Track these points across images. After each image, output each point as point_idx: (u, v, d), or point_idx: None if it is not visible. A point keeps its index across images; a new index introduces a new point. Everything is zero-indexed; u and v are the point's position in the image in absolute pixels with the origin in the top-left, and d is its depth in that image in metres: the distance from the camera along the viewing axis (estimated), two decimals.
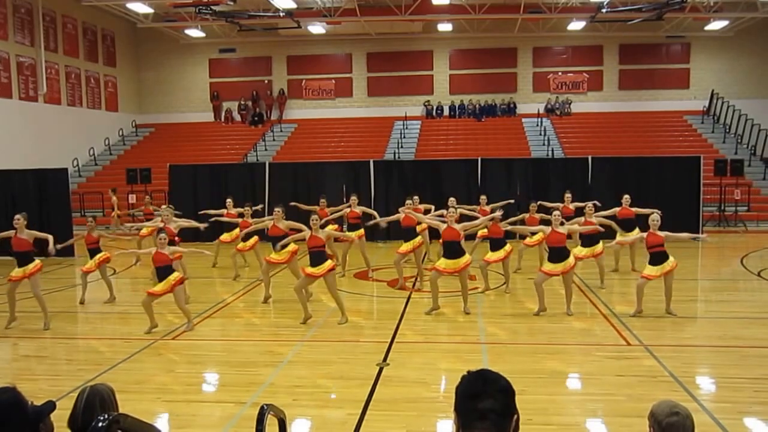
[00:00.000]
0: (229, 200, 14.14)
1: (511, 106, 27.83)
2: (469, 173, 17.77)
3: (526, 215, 12.31)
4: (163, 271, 8.76)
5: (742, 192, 19.62)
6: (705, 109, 26.52)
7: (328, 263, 9.00)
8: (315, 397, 6.59)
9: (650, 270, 9.09)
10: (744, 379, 6.63)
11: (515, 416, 1.88)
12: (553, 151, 23.91)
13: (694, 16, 23.85)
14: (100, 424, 2.07)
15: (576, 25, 25.31)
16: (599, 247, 11.11)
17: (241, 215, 13.42)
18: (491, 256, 10.78)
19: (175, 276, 8.71)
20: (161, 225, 11.06)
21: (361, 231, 12.83)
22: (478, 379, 1.91)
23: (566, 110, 27.58)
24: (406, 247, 11.62)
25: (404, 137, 26.16)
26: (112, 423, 2.09)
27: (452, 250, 9.40)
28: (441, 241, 9.66)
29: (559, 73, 28.05)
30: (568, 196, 13.29)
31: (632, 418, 5.43)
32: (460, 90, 28.19)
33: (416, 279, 12.19)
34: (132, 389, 6.40)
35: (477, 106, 27.83)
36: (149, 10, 24.00)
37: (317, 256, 9.00)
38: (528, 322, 9.26)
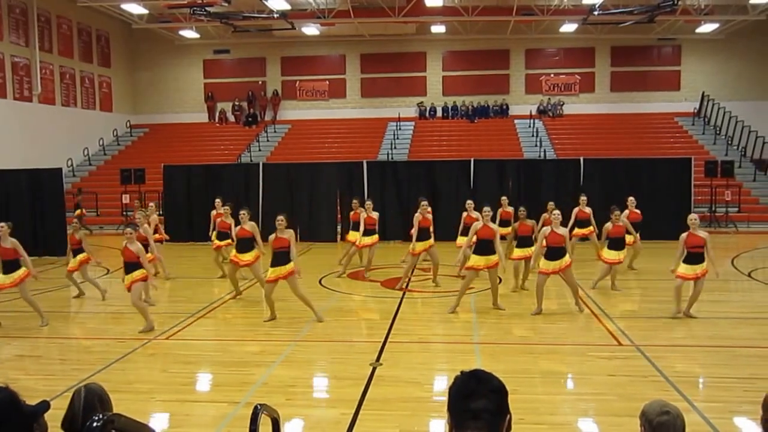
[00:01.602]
0: (218, 200, 14.12)
1: (504, 107, 27.93)
2: (461, 174, 17.83)
3: (516, 224, 11.99)
4: (130, 266, 8.78)
5: (732, 193, 19.76)
6: (696, 110, 26.69)
7: (290, 266, 8.91)
8: (308, 396, 6.63)
9: (686, 269, 8.97)
10: (734, 378, 6.69)
11: (508, 416, 1.89)
12: (545, 152, 24.01)
13: (685, 19, 23.99)
14: (94, 424, 2.05)
15: (568, 28, 25.41)
16: (624, 251, 11.12)
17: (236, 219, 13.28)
18: (519, 253, 10.90)
19: (139, 273, 8.68)
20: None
21: (376, 237, 12.70)
22: (472, 379, 1.91)
23: (558, 112, 27.70)
24: (420, 247, 11.54)
25: (398, 138, 26.21)
26: (106, 423, 2.08)
27: (487, 248, 9.52)
28: (476, 239, 9.69)
29: (552, 75, 28.18)
30: (583, 198, 13.28)
31: (624, 417, 5.47)
32: (453, 91, 28.27)
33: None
34: (125, 389, 6.39)
35: (470, 107, 27.92)
36: (144, 11, 23.94)
37: (280, 257, 8.95)
38: (521, 322, 9.31)
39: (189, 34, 26.86)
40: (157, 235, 12.25)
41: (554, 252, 9.36)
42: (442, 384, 6.73)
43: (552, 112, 27.66)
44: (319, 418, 5.95)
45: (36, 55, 22.16)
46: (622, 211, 11.76)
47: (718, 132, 25.08)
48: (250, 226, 10.37)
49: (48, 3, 22.87)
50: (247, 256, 10.36)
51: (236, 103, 28.69)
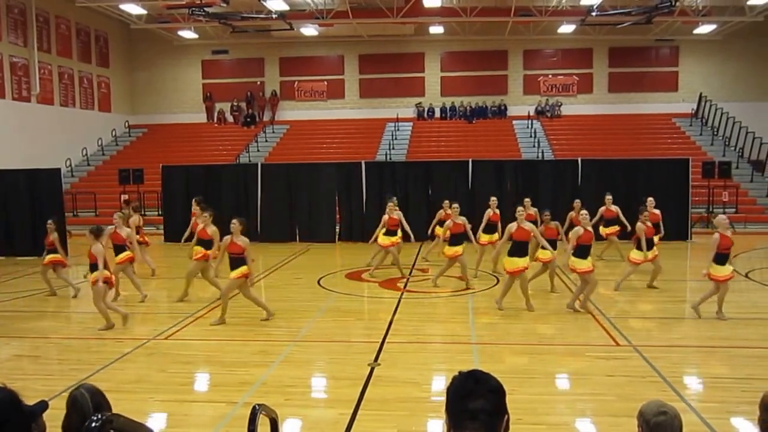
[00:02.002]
0: (195, 199, 14.07)
1: (502, 108, 27.97)
2: (459, 174, 17.85)
3: (541, 227, 11.53)
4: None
5: (729, 194, 19.82)
6: (693, 111, 26.77)
7: (243, 269, 8.99)
8: (307, 396, 6.64)
9: (721, 271, 8.97)
10: (731, 379, 6.72)
11: (506, 416, 1.89)
12: (543, 153, 24.05)
13: (682, 20, 24.05)
14: (93, 424, 2.06)
15: (566, 29, 25.46)
16: (656, 250, 11.12)
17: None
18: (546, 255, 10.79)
19: (99, 273, 8.78)
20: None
21: (398, 237, 12.50)
22: (469, 379, 1.91)
23: (556, 112, 27.75)
24: (387, 241, 11.85)
25: (396, 138, 26.24)
26: (105, 423, 2.08)
27: (522, 249, 9.63)
28: (512, 240, 9.69)
29: (550, 76, 28.22)
30: (609, 197, 13.33)
31: (621, 417, 5.50)
32: (451, 92, 28.30)
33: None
34: (124, 389, 6.40)
35: (468, 107, 27.95)
36: (142, 11, 23.94)
37: (235, 262, 9.01)
38: (518, 322, 9.34)
39: (187, 34, 26.86)
40: (138, 237, 12.42)
41: (584, 250, 9.39)
42: (439, 384, 6.75)
43: (550, 113, 27.71)
44: (317, 418, 5.96)
45: (34, 55, 22.15)
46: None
47: (715, 133, 25.15)
48: (211, 231, 10.34)
49: (46, 3, 22.85)
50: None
51: (235, 104, 28.69)
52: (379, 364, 7.22)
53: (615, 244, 13.70)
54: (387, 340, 8.22)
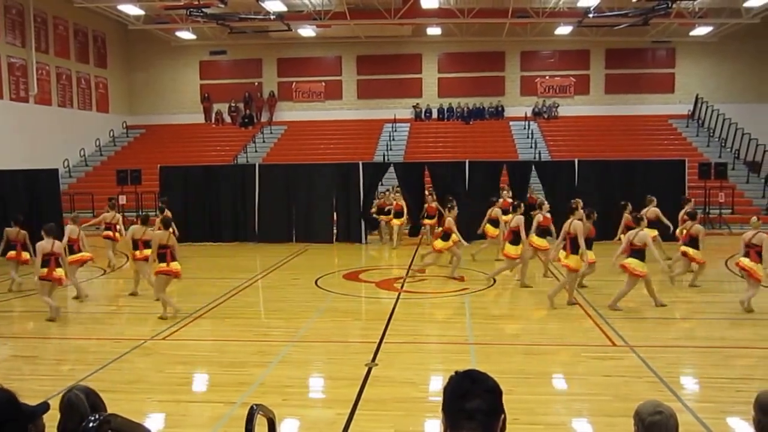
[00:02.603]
0: (164, 199, 14.47)
1: (499, 109, 28.02)
2: (456, 175, 17.87)
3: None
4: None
5: (726, 195, 19.87)
6: (689, 113, 26.85)
7: (162, 265, 9.42)
8: (304, 397, 6.66)
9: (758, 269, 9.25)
10: (727, 379, 6.75)
11: (502, 416, 1.90)
12: (540, 153, 24.11)
13: (679, 22, 24.14)
14: (90, 425, 2.06)
15: (563, 30, 25.52)
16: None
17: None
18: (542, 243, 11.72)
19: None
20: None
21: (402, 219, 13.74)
22: (466, 379, 1.92)
23: (553, 113, 27.81)
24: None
25: (393, 139, 26.28)
26: (102, 423, 2.08)
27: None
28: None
29: (547, 77, 28.28)
30: (651, 198, 13.48)
31: (618, 417, 5.52)
32: (448, 93, 28.35)
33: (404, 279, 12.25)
34: (122, 389, 6.42)
35: (465, 108, 28.00)
36: (140, 12, 23.92)
37: (161, 257, 9.48)
38: (515, 323, 9.37)
39: (185, 35, 26.86)
40: (110, 232, 13.70)
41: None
42: (436, 384, 6.77)
43: (547, 114, 27.77)
44: (314, 418, 5.98)
45: (32, 55, 22.13)
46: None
47: (711, 134, 25.23)
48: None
49: (44, 4, 22.84)
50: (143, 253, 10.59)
51: (232, 104, 28.70)
52: (376, 365, 7.24)
53: (658, 244, 13.70)
54: (384, 341, 8.23)
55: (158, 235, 9.58)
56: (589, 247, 9.74)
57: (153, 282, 10.02)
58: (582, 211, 9.99)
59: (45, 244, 9.35)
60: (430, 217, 16.07)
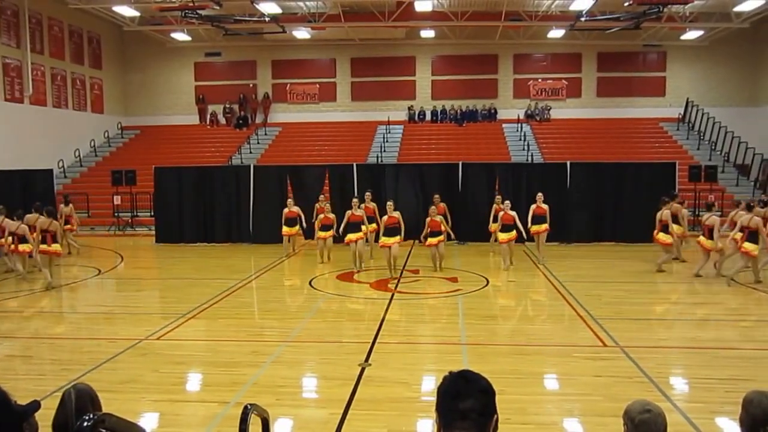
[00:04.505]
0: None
1: (492, 111, 28.12)
2: (450, 177, 17.95)
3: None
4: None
5: (716, 197, 20.01)
6: (680, 116, 27.03)
7: (44, 246, 11.53)
8: (298, 396, 6.70)
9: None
10: (716, 379, 6.82)
11: (495, 416, 1.92)
12: (532, 156, 24.21)
13: (670, 26, 24.33)
14: (85, 424, 2.05)
15: (555, 33, 25.65)
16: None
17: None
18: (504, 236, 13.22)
19: None
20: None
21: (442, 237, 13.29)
22: (460, 379, 1.94)
23: (545, 116, 27.94)
24: (348, 238, 13.31)
25: (387, 141, 26.32)
26: (97, 423, 2.07)
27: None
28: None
29: (539, 80, 28.42)
30: (711, 197, 14.11)
31: (608, 417, 5.58)
32: (442, 95, 28.44)
33: (398, 279, 12.30)
34: (116, 389, 6.43)
35: (458, 111, 28.09)
36: (135, 14, 23.89)
37: (44, 239, 11.58)
38: (508, 323, 9.45)
39: (180, 36, 26.81)
40: (69, 226, 15.59)
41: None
42: (430, 384, 6.83)
43: (539, 117, 27.90)
44: (308, 418, 6.02)
45: (27, 56, 22.06)
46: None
47: (702, 137, 25.41)
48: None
49: (39, 5, 22.77)
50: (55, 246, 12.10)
51: (227, 106, 28.69)
52: (369, 365, 7.29)
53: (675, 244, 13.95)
54: (378, 341, 8.28)
55: (41, 221, 11.78)
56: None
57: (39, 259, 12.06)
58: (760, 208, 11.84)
59: (44, 222, 11.60)
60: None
